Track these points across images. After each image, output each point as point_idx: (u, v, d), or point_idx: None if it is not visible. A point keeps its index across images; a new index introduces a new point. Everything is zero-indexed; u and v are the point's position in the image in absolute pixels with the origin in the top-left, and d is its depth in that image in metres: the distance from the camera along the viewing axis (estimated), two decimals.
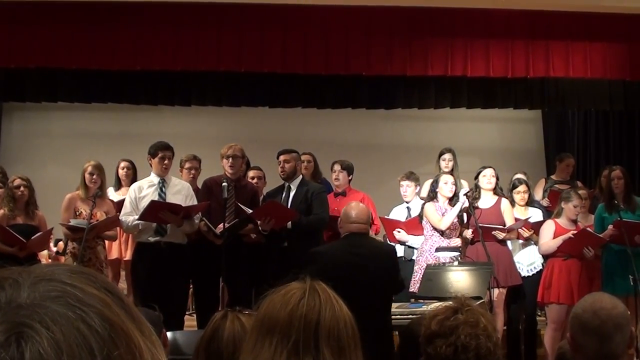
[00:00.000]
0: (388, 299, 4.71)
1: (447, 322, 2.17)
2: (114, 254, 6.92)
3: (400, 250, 6.70)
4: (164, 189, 6.03)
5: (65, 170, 8.69)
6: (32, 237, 5.92)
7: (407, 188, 6.96)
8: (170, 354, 3.29)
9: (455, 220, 6.35)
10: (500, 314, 6.21)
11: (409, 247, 6.66)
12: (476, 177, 6.60)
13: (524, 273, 6.49)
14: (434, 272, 5.67)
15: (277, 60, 7.73)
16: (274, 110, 8.76)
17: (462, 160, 7.56)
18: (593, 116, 9.42)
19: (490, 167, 6.60)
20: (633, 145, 9.14)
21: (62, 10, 7.50)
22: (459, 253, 6.35)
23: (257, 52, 7.69)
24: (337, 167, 7.11)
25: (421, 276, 5.77)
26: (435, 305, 4.52)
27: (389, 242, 6.61)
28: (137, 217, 5.87)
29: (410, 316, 4.89)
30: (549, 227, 6.34)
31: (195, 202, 6.04)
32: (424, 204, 6.56)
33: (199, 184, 6.59)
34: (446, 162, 7.20)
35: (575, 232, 6.21)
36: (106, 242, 6.46)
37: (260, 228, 5.96)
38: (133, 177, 7.09)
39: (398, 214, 7.00)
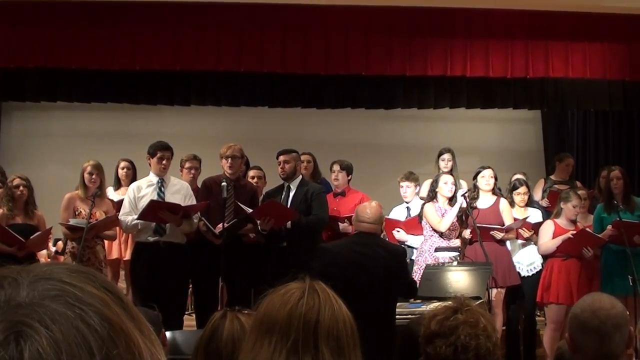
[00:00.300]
0: (391, 300, 4.66)
1: (447, 322, 2.17)
2: (113, 254, 6.92)
3: None
4: (162, 188, 6.04)
5: (65, 170, 8.69)
6: (31, 237, 5.92)
7: (406, 189, 6.96)
8: (169, 354, 3.29)
9: (455, 220, 6.35)
10: (499, 314, 6.22)
11: (408, 246, 6.66)
12: (474, 178, 6.60)
13: (523, 273, 6.50)
14: (433, 272, 5.67)
15: (277, 60, 7.73)
16: (273, 110, 8.76)
17: (461, 161, 7.56)
18: (592, 116, 9.42)
19: (488, 167, 6.60)
20: (632, 145, 9.15)
21: (62, 10, 7.49)
22: (458, 253, 6.35)
23: (257, 52, 7.69)
24: (336, 167, 7.11)
25: (420, 276, 5.78)
26: (434, 305, 4.53)
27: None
28: (136, 216, 5.87)
29: (410, 316, 4.89)
30: (548, 228, 6.34)
31: (194, 202, 6.05)
32: (423, 204, 6.56)
33: (199, 184, 6.59)
34: (445, 162, 7.21)
35: (574, 232, 6.22)
36: (106, 241, 6.46)
37: (259, 228, 5.96)
38: (132, 177, 7.09)
39: (398, 214, 7.00)
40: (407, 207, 6.99)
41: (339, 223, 6.57)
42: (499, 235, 6.28)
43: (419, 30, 7.79)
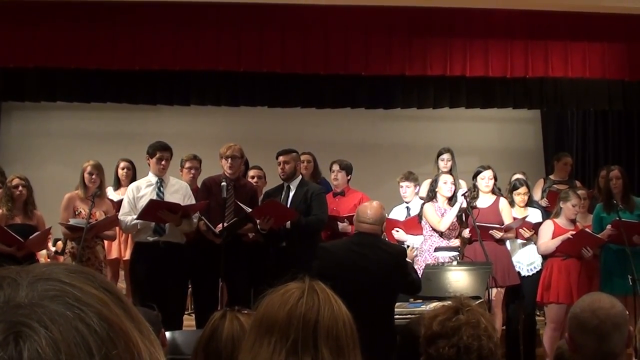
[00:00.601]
0: (390, 300, 4.65)
1: (449, 323, 2.16)
2: (113, 254, 6.92)
3: None
4: (162, 188, 6.04)
5: (65, 170, 8.69)
6: (30, 237, 5.92)
7: (406, 189, 6.96)
8: (169, 354, 3.29)
9: (455, 220, 6.35)
10: (498, 313, 6.22)
11: (408, 246, 6.66)
12: (474, 177, 6.60)
13: (523, 273, 6.50)
14: (432, 272, 5.67)
15: (277, 60, 7.72)
16: (273, 110, 8.75)
17: (461, 160, 7.56)
18: (592, 116, 9.42)
19: (488, 168, 6.57)
20: (631, 145, 9.14)
21: (62, 10, 7.49)
22: (458, 253, 6.35)
23: (257, 51, 7.69)
24: (335, 167, 7.12)
25: (420, 276, 5.78)
26: (433, 305, 4.53)
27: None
28: (135, 216, 5.87)
29: (410, 316, 4.89)
30: (547, 228, 6.34)
31: (193, 202, 6.05)
32: (423, 204, 6.56)
33: (199, 184, 6.59)
34: (445, 162, 7.21)
35: (573, 232, 6.22)
36: (105, 241, 6.46)
37: (259, 227, 5.96)
38: (132, 177, 7.09)
39: (397, 214, 7.00)
40: (407, 207, 6.99)
41: (338, 223, 6.57)
42: (498, 234, 6.27)
43: (419, 30, 7.79)
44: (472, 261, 6.05)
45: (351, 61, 7.77)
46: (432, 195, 6.49)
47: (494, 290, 5.96)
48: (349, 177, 7.12)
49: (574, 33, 7.82)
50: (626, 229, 6.08)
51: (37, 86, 8.05)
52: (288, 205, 6.13)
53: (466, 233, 6.41)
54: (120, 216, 6.02)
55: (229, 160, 6.09)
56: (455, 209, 6.32)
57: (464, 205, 6.31)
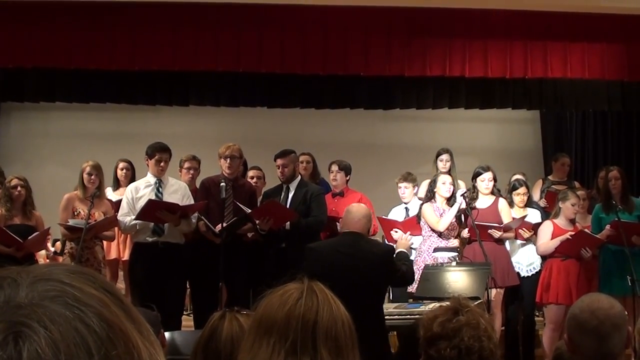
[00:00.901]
0: (377, 299, 4.65)
1: (450, 324, 2.16)
2: (112, 254, 6.92)
3: None
4: (160, 189, 6.04)
5: (64, 170, 8.69)
6: (29, 237, 5.91)
7: (404, 189, 6.97)
8: (168, 354, 3.29)
9: (454, 220, 6.35)
10: (498, 314, 6.22)
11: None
12: (474, 178, 6.59)
13: (523, 273, 6.50)
14: (431, 273, 5.67)
15: (276, 61, 7.72)
16: (272, 110, 8.76)
17: (460, 161, 7.57)
18: (591, 117, 9.43)
19: (488, 169, 6.53)
20: (630, 145, 9.15)
21: (61, 10, 7.49)
22: (457, 253, 6.35)
23: (256, 52, 7.68)
24: (334, 167, 7.12)
25: (419, 276, 5.77)
26: (432, 305, 4.52)
27: (387, 242, 6.61)
28: (134, 217, 5.87)
29: (408, 316, 4.89)
30: (547, 228, 6.35)
31: (192, 202, 6.05)
32: (421, 204, 6.56)
33: (198, 184, 6.59)
34: (444, 163, 7.22)
35: (572, 233, 6.22)
36: (104, 242, 6.46)
37: (258, 227, 5.96)
38: (131, 177, 7.09)
39: (396, 214, 7.00)
40: (406, 208, 6.99)
41: (337, 223, 6.57)
42: (497, 233, 6.27)
43: (418, 30, 7.79)
44: (471, 262, 6.04)
45: (350, 62, 7.77)
46: (430, 196, 6.49)
47: (493, 291, 5.96)
48: (348, 178, 7.12)
49: (573, 34, 7.82)
50: (625, 229, 6.08)
51: (36, 86, 8.05)
52: (287, 206, 6.13)
53: (465, 233, 6.40)
54: (119, 217, 6.02)
55: (228, 160, 6.09)
56: (454, 210, 6.32)
57: (463, 205, 6.31)
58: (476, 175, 6.55)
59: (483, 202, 6.48)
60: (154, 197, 5.94)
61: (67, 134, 9.65)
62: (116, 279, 6.98)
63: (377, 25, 7.73)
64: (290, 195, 6.22)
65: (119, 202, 6.28)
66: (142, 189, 6.07)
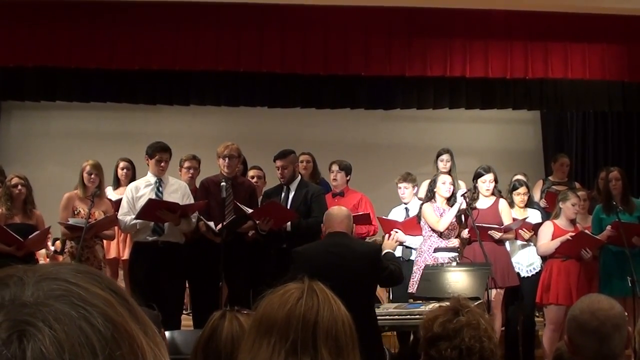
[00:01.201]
0: (368, 297, 4.64)
1: (450, 325, 2.16)
2: (112, 254, 6.92)
3: (398, 251, 6.70)
4: (160, 188, 6.04)
5: (64, 170, 8.69)
6: (30, 237, 5.91)
7: (404, 190, 6.96)
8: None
9: (454, 220, 6.35)
10: (498, 314, 6.22)
11: (407, 247, 6.66)
12: (475, 179, 6.58)
13: (523, 274, 6.49)
14: (432, 273, 5.67)
15: (276, 60, 7.72)
16: (272, 110, 8.76)
17: (460, 161, 7.57)
18: (591, 117, 9.42)
19: (489, 171, 6.52)
20: (631, 146, 9.15)
21: (61, 9, 7.49)
22: (457, 254, 6.35)
23: (256, 52, 7.69)
24: (335, 167, 7.12)
25: (420, 277, 5.78)
26: (432, 306, 4.52)
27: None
28: (134, 216, 5.87)
29: (408, 316, 4.89)
30: (547, 229, 6.34)
31: (192, 202, 6.05)
32: (421, 204, 6.56)
33: (198, 184, 6.59)
34: (444, 163, 7.22)
35: (573, 234, 6.22)
36: (104, 241, 6.46)
37: (258, 228, 5.96)
38: (132, 177, 7.09)
39: (396, 215, 7.00)
40: (406, 208, 6.99)
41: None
42: (497, 235, 6.27)
43: (419, 30, 7.79)
44: (472, 262, 6.04)
45: (351, 62, 7.77)
46: (430, 196, 6.49)
47: (494, 291, 5.96)
48: (348, 178, 7.12)
49: (573, 34, 7.82)
50: (625, 230, 6.08)
51: (37, 86, 8.05)
52: (288, 207, 6.13)
53: (465, 233, 6.40)
54: (119, 216, 6.02)
55: (226, 159, 6.09)
56: (454, 210, 6.32)
57: (464, 206, 6.30)
58: (477, 176, 6.54)
59: (483, 202, 6.48)
60: (154, 197, 5.94)
61: (67, 133, 9.65)
62: (116, 278, 6.98)
63: (378, 25, 7.73)
64: (291, 195, 6.22)
65: (119, 201, 6.28)
66: (142, 188, 6.07)
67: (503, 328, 6.49)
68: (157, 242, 5.91)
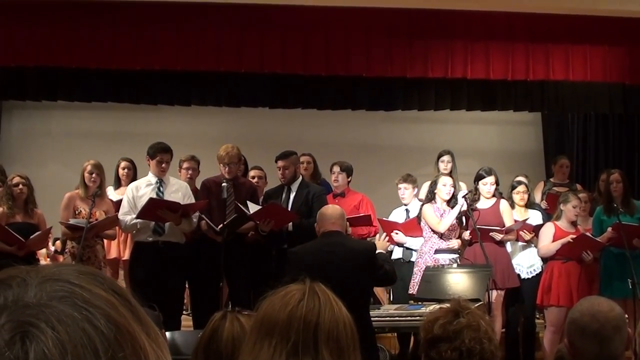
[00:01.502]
0: (364, 297, 4.63)
1: (450, 327, 2.16)
2: (112, 254, 6.92)
3: (398, 252, 6.71)
4: (161, 188, 6.04)
5: (65, 169, 8.69)
6: (31, 236, 5.91)
7: (404, 191, 6.96)
8: None
9: (455, 222, 6.35)
10: (498, 316, 6.21)
11: (407, 248, 6.66)
12: (476, 181, 6.58)
13: (523, 275, 6.49)
14: (432, 274, 5.67)
15: (277, 61, 7.73)
16: (274, 110, 8.76)
17: (461, 163, 7.57)
18: (593, 119, 9.42)
19: (490, 173, 6.50)
20: (632, 148, 9.14)
21: (62, 9, 7.50)
22: (458, 255, 6.35)
23: (258, 52, 7.69)
24: (336, 168, 7.12)
25: (420, 278, 5.77)
26: (432, 307, 4.52)
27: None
28: (135, 216, 5.87)
29: (409, 318, 4.89)
30: (548, 230, 6.34)
31: (193, 201, 6.05)
32: (422, 205, 6.56)
33: (197, 185, 6.59)
34: (445, 164, 7.21)
35: (574, 236, 6.22)
36: (105, 241, 6.46)
37: (259, 229, 5.97)
38: (133, 177, 7.09)
39: (397, 216, 6.99)
40: (406, 209, 6.99)
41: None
42: (498, 236, 6.27)
43: (420, 32, 7.79)
44: (472, 263, 6.04)
45: (352, 63, 7.77)
46: (430, 197, 6.49)
47: (494, 293, 5.95)
48: (349, 179, 7.12)
49: (575, 36, 7.82)
50: (626, 232, 6.08)
51: (38, 85, 8.05)
52: (289, 207, 6.13)
53: (466, 235, 6.40)
54: (120, 216, 6.02)
55: (227, 167, 6.09)
56: (455, 211, 6.31)
57: (464, 207, 6.30)
58: (478, 178, 6.54)
59: (484, 202, 6.48)
60: (155, 196, 5.94)
61: (68, 132, 9.65)
62: (117, 278, 6.98)
63: (379, 26, 7.73)
64: (292, 196, 6.22)
65: (120, 201, 6.28)
66: (143, 188, 6.07)
67: (503, 330, 6.49)
68: (157, 242, 5.91)
